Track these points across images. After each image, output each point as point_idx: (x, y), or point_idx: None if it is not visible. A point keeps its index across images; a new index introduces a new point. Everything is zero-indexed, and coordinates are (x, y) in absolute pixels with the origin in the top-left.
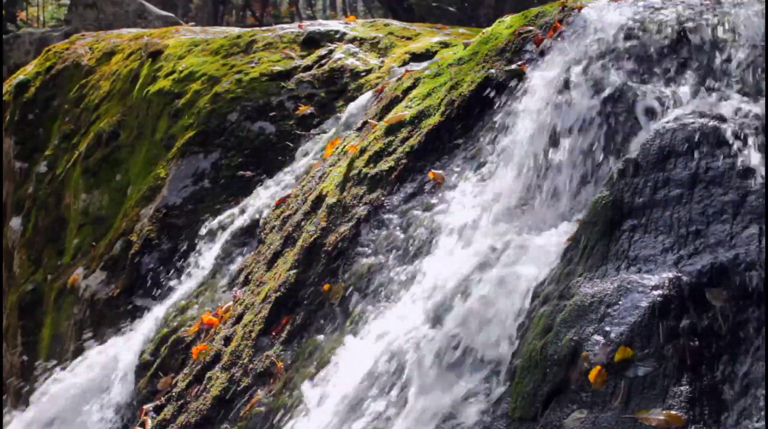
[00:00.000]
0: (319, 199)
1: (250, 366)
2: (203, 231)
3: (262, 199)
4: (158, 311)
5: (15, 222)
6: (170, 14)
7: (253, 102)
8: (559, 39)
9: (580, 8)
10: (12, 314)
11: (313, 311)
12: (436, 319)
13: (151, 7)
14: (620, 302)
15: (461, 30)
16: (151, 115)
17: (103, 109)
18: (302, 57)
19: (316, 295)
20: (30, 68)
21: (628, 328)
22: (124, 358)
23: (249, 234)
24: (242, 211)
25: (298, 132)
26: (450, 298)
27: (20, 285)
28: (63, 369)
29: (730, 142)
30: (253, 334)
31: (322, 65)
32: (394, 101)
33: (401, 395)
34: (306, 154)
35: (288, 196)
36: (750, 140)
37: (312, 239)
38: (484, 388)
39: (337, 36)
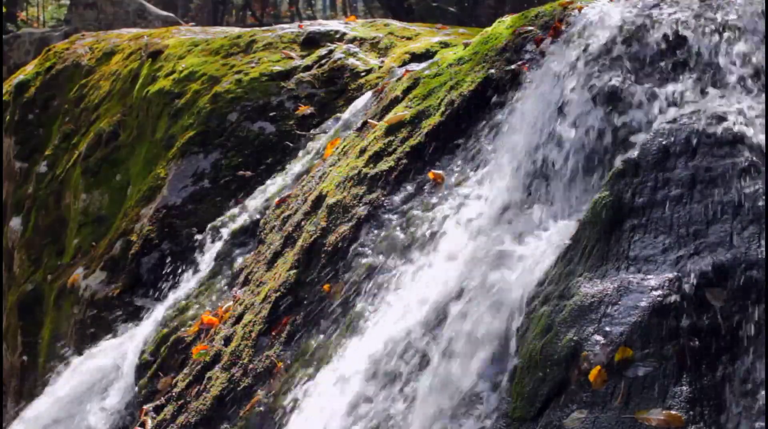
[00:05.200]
0: (319, 199)
1: (250, 366)
2: (203, 231)
3: (262, 199)
4: (158, 311)
5: (15, 222)
6: (170, 14)
7: (253, 102)
8: (559, 39)
9: (580, 8)
10: (12, 314)
11: (313, 311)
12: (436, 321)
13: (151, 7)
14: (620, 302)
15: (461, 30)
16: (151, 115)
17: (103, 109)
18: (302, 57)
19: (316, 295)
20: (30, 68)
21: (628, 328)
22: (124, 358)
23: (249, 234)
24: (242, 211)
25: (298, 132)
26: (450, 298)
27: (20, 285)
28: (63, 369)
29: (730, 141)
30: (253, 334)
31: (322, 65)
32: (394, 101)
33: (402, 396)
34: (306, 154)
35: (288, 196)
36: (749, 140)
37: (312, 239)
38: (484, 388)
39: (337, 36)
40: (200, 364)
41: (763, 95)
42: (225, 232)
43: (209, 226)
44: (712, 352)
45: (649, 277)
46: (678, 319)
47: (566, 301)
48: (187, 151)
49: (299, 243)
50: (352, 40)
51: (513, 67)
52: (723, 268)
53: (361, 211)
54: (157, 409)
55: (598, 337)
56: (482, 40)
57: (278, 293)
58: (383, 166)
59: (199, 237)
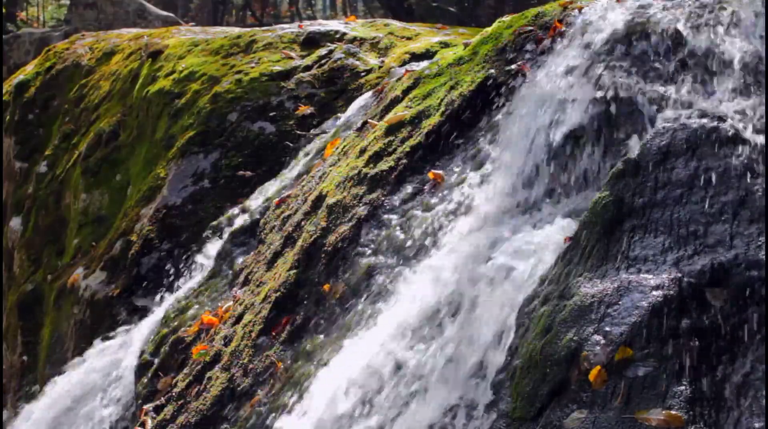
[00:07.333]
0: (319, 199)
1: (250, 366)
2: (203, 231)
3: (261, 199)
4: (158, 311)
5: (15, 222)
6: (170, 14)
7: (253, 102)
8: (559, 39)
9: (580, 8)
10: (12, 314)
11: (313, 311)
12: (435, 321)
13: (151, 7)
14: (620, 302)
15: (461, 30)
16: (151, 115)
17: (103, 109)
18: (302, 57)
19: (316, 295)
20: (30, 68)
21: (628, 328)
22: (124, 358)
23: (249, 234)
24: (242, 211)
25: (298, 132)
26: (450, 298)
27: (20, 285)
28: (63, 369)
29: (730, 142)
30: (253, 334)
31: (322, 65)
32: (394, 101)
33: (401, 396)
34: (306, 154)
35: (288, 196)
36: (750, 140)
37: (312, 239)
38: (483, 388)
39: (337, 36)
40: (200, 364)
41: (763, 95)
42: (225, 232)
43: (209, 226)
44: (712, 352)
45: (649, 277)
46: (678, 319)
47: (566, 301)
48: (187, 151)
49: (299, 243)
50: (352, 40)
51: (513, 67)
52: (723, 268)
53: (361, 211)
54: (157, 409)
55: (598, 337)
56: (482, 40)
57: (278, 293)
58: (383, 166)
59: (198, 237)
